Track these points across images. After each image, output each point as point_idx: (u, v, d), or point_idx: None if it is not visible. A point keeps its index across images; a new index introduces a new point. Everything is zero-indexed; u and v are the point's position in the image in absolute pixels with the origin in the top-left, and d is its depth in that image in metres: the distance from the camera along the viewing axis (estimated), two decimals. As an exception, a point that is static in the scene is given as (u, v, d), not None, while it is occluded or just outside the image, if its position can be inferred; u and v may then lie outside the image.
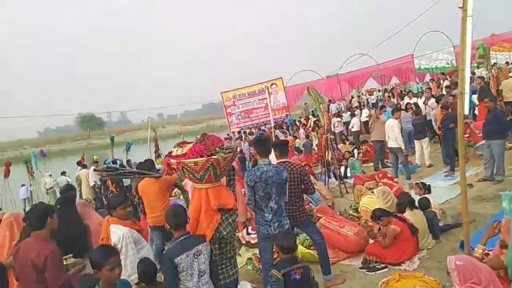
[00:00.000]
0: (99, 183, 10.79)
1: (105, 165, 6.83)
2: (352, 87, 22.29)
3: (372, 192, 5.88)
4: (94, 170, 10.74)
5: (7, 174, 14.68)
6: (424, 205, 4.97)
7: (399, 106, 11.85)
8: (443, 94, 11.08)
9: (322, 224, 4.89)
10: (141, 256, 3.20)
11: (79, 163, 13.50)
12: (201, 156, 2.96)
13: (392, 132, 7.82)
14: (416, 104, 10.89)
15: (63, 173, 13.99)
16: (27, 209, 12.37)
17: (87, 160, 16.01)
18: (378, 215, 4.38)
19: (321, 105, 7.47)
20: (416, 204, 4.92)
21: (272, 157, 3.95)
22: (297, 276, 2.95)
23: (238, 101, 21.60)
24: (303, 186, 4.06)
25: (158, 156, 14.15)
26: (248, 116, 21.57)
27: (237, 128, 20.56)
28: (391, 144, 7.96)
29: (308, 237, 4.52)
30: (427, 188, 5.66)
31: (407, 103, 11.51)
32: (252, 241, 5.41)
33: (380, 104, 15.60)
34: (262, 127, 19.45)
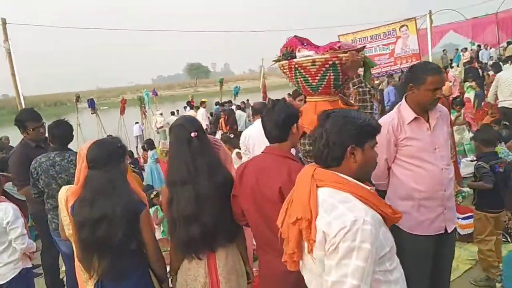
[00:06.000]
0: (207, 123, 10.18)
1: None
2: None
3: None
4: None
5: (122, 110, 15.29)
6: None
7: None
8: None
9: None
10: None
11: (188, 104, 12.83)
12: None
13: None
14: None
15: (173, 113, 13.61)
16: (139, 146, 12.62)
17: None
18: None
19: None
20: None
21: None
22: (501, 170, 3.03)
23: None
24: None
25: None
26: (369, 64, 18.56)
27: (354, 77, 17.93)
28: None
29: None
30: None
31: None
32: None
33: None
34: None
